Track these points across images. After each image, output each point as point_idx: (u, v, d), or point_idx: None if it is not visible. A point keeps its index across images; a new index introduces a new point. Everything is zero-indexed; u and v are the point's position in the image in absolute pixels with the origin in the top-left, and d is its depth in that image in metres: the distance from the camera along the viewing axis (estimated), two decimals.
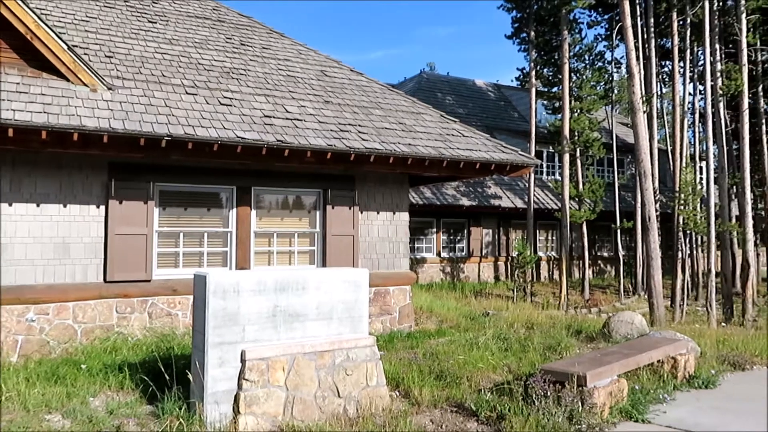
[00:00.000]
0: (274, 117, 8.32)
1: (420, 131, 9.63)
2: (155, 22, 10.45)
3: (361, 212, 9.54)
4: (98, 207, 7.59)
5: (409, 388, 5.90)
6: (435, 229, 21.91)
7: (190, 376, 4.91)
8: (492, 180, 22.98)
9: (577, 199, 20.42)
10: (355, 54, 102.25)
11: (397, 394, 5.91)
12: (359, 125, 9.01)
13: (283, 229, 9.02)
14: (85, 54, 8.18)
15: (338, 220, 9.23)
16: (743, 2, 16.44)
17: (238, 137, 7.39)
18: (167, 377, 5.17)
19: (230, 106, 8.23)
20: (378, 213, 9.80)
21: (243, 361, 4.77)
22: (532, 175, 20.60)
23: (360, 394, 5.26)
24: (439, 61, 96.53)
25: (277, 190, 8.93)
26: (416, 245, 21.41)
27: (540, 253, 24.18)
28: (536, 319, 10.57)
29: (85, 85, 7.38)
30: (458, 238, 22.61)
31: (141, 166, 7.71)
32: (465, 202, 21.47)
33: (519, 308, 12.91)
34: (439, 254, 21.87)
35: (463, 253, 22.59)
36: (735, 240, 19.20)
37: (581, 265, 21.47)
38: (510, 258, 22.21)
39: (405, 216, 10.07)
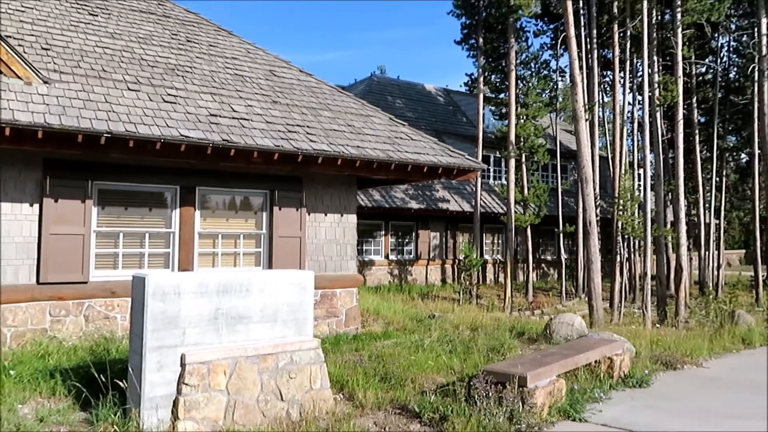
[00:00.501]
0: (220, 116, 8.17)
1: (369, 134, 9.65)
2: (96, 15, 10.10)
3: (309, 214, 9.48)
4: (32, 205, 7.27)
5: (354, 390, 5.89)
6: (383, 232, 21.99)
7: (126, 382, 4.75)
8: (440, 184, 23.24)
9: (522, 204, 20.88)
10: (306, 54, 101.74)
11: (342, 396, 5.89)
12: (308, 126, 8.96)
13: (228, 231, 8.86)
14: (19, 45, 7.83)
15: (285, 221, 9.14)
16: (679, 17, 17.21)
17: (182, 136, 7.23)
18: (103, 383, 4.99)
19: (174, 103, 8.04)
20: (326, 215, 9.75)
21: (183, 365, 4.65)
22: (479, 180, 20.95)
23: (304, 397, 5.21)
24: (390, 64, 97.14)
25: (222, 190, 8.77)
26: (364, 247, 21.43)
27: (486, 256, 24.61)
28: (481, 321, 10.74)
29: (19, 77, 7.06)
30: (406, 240, 22.76)
31: (79, 164, 7.42)
32: (413, 205, 21.64)
33: (465, 310, 13.09)
34: (387, 257, 21.96)
35: (411, 256, 22.76)
36: (670, 245, 20.01)
37: (526, 268, 21.96)
38: (457, 261, 22.51)
39: (353, 218, 10.06)
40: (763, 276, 22.50)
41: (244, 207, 9.06)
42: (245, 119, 8.37)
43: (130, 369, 4.74)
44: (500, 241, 24.69)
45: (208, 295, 4.91)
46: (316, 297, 9.17)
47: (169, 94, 8.22)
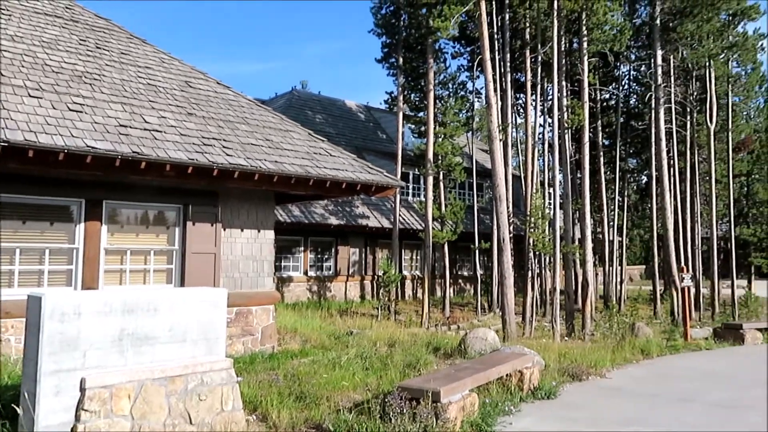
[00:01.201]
0: (130, 127, 7.85)
1: (287, 149, 9.57)
2: None
3: (224, 229, 9.25)
4: None
5: (268, 411, 5.77)
6: (302, 248, 21.79)
7: (19, 410, 4.42)
8: (360, 200, 23.35)
9: (440, 220, 21.31)
10: (227, 66, 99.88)
11: (255, 418, 5.75)
12: (224, 140, 8.77)
13: (138, 246, 8.49)
14: None
15: (199, 237, 8.87)
16: (585, 46, 18.29)
17: (89, 147, 6.88)
18: None
19: (81, 112, 7.64)
20: (242, 230, 9.56)
21: (82, 389, 4.38)
22: (398, 196, 21.22)
23: (214, 419, 5.04)
24: (312, 79, 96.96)
25: (132, 204, 8.41)
26: (283, 264, 21.13)
27: (405, 272, 24.88)
28: (398, 337, 10.83)
29: None
30: (326, 256, 22.65)
31: None
32: (333, 220, 21.60)
33: (383, 326, 13.17)
34: (306, 273, 21.75)
35: (331, 272, 22.65)
36: (577, 260, 21.01)
37: (443, 284, 22.37)
38: (376, 277, 22.62)
39: (270, 234, 9.91)
40: (660, 290, 24.03)
41: (155, 222, 8.73)
42: (158, 131, 8.08)
43: (24, 395, 4.42)
44: (419, 257, 25.06)
45: (112, 315, 4.67)
46: (230, 315, 8.96)
47: (75, 103, 7.81)
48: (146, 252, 8.56)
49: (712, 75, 23.38)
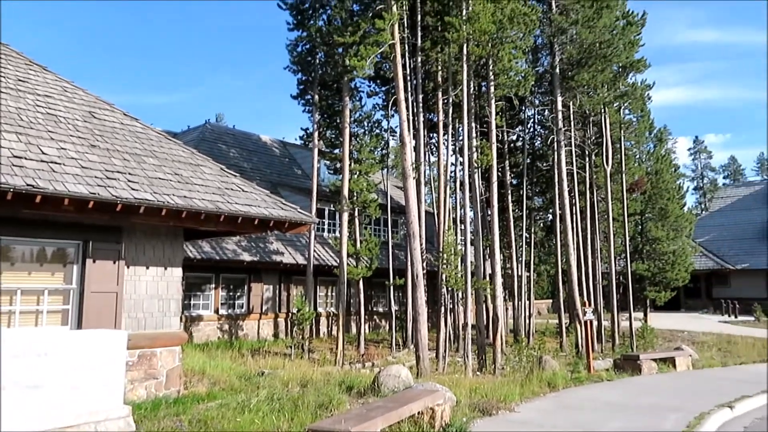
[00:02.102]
0: (26, 158, 7.39)
1: (197, 183, 9.33)
2: None
3: (128, 267, 8.81)
4: None
5: None
6: (213, 285, 21.09)
7: None
8: (274, 235, 23.00)
9: (355, 257, 21.33)
10: (140, 97, 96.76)
11: None
12: (130, 173, 8.43)
13: (30, 286, 7.91)
14: None
15: (100, 275, 8.39)
16: (493, 90, 19.23)
17: None
18: None
19: None
20: (147, 268, 9.14)
21: None
22: (313, 232, 21.10)
23: None
24: (228, 113, 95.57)
25: (25, 240, 7.86)
26: (192, 302, 20.34)
27: (320, 309, 24.60)
28: (312, 377, 10.64)
29: None
30: (238, 294, 22.02)
31: None
32: (246, 257, 21.12)
33: (296, 366, 12.90)
34: (217, 311, 21.02)
35: (243, 310, 22.02)
36: (488, 296, 21.59)
37: (358, 321, 22.27)
38: (290, 314, 22.20)
39: (178, 271, 9.54)
40: (566, 323, 25.06)
41: (52, 259, 8.19)
42: (56, 163, 7.66)
43: None
44: (334, 294, 24.88)
45: None
46: (132, 358, 8.47)
47: None
48: (39, 291, 7.99)
49: (607, 121, 25.17)
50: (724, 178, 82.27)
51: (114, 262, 8.53)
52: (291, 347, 17.61)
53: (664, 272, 30.49)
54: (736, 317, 36.57)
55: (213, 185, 9.56)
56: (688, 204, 53.82)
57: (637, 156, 31.36)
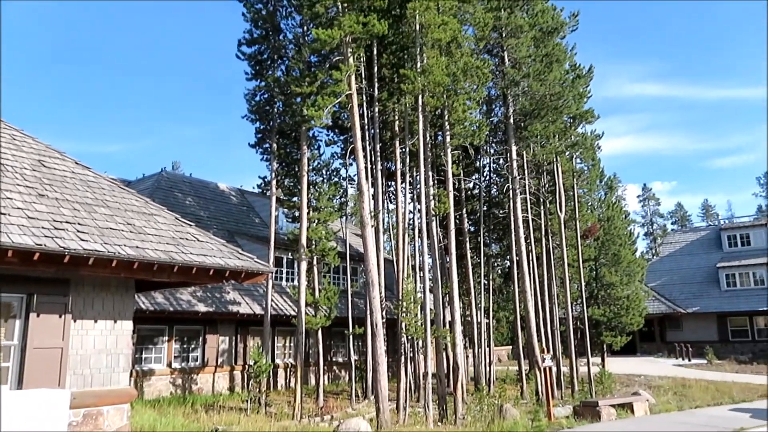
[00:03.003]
0: None
1: (151, 233, 9.12)
2: None
3: (75, 321, 8.46)
4: None
5: None
6: (167, 337, 20.39)
7: None
8: (231, 285, 22.56)
9: (313, 306, 21.03)
10: (96, 145, 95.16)
11: None
12: (79, 224, 8.19)
13: None
14: None
15: (44, 330, 8.02)
16: (449, 139, 19.64)
17: None
18: None
19: None
20: (96, 321, 8.80)
21: None
22: (271, 282, 20.77)
23: None
24: (185, 161, 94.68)
25: None
26: (144, 355, 19.58)
27: (278, 361, 24.01)
28: None
29: None
30: (192, 346, 21.33)
31: None
32: (201, 308, 20.58)
33: (252, 421, 12.46)
34: (170, 365, 20.26)
35: (197, 363, 21.30)
36: (449, 344, 21.47)
37: (317, 372, 21.78)
38: (247, 366, 21.57)
39: (128, 325, 9.20)
40: (525, 369, 25.06)
41: None
42: (1, 213, 7.39)
43: None
44: (292, 344, 24.36)
45: None
46: (77, 417, 8.03)
47: None
48: None
49: (560, 169, 25.94)
50: (672, 224, 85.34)
51: (60, 316, 8.18)
52: (247, 401, 17.02)
53: (619, 317, 31.01)
54: (689, 360, 37.34)
55: (167, 235, 9.36)
56: (639, 249, 55.51)
57: (590, 203, 32.28)
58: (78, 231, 7.95)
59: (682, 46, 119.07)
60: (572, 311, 28.90)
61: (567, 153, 26.62)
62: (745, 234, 46.34)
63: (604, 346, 31.07)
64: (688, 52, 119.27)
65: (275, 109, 21.65)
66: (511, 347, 44.89)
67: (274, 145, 21.50)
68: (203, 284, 18.06)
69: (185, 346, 21.06)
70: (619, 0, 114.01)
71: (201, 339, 21.52)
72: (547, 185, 27.65)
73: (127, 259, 7.94)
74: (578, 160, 29.04)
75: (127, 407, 8.96)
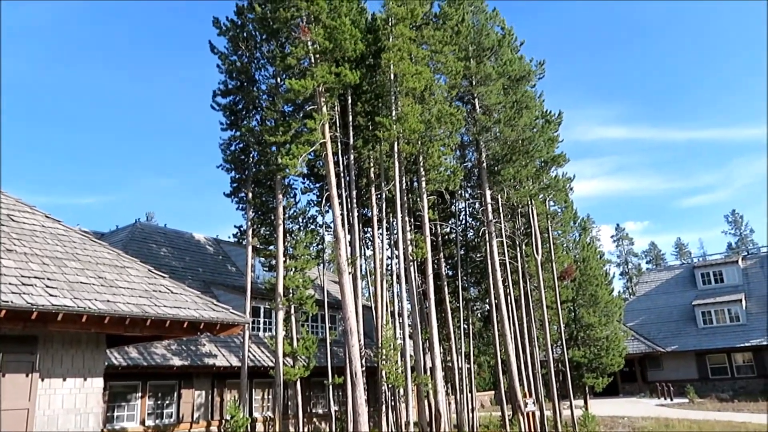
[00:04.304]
0: None
1: (123, 287, 8.95)
2: None
3: (42, 379, 8.18)
4: None
5: None
6: (140, 394, 19.72)
7: None
8: (207, 337, 22.08)
9: (291, 356, 20.65)
10: (68, 198, 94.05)
11: None
12: (48, 278, 8.01)
13: None
14: None
15: (10, 390, 7.74)
16: (424, 185, 19.86)
17: None
18: None
19: None
20: (65, 380, 8.51)
21: None
22: (248, 332, 20.40)
23: None
24: (159, 211, 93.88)
25: None
26: (116, 413, 18.87)
27: (256, 414, 23.32)
28: None
29: None
30: (167, 402, 20.64)
31: None
32: (176, 361, 20.02)
33: None
34: (143, 422, 19.53)
35: (172, 419, 20.57)
36: (430, 391, 21.16)
37: (296, 424, 21.20)
38: (224, 421, 20.90)
39: (99, 382, 8.92)
40: (509, 414, 24.71)
41: None
42: None
43: None
44: (271, 397, 23.74)
45: None
46: None
47: None
48: None
49: (534, 212, 26.29)
50: (647, 262, 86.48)
51: (26, 375, 7.91)
52: None
53: (599, 358, 30.97)
54: (671, 400, 37.25)
55: (140, 288, 9.20)
56: (616, 289, 55.94)
57: (565, 244, 32.63)
58: (47, 286, 7.77)
59: (645, 90, 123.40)
60: (553, 353, 28.79)
61: (540, 196, 27.04)
62: (718, 271, 47.09)
63: (587, 388, 30.90)
64: (650, 96, 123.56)
65: (250, 159, 21.72)
66: (493, 392, 44.36)
67: (250, 194, 21.47)
68: (178, 337, 17.67)
69: (159, 402, 20.38)
70: (583, 47, 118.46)
71: (176, 394, 20.85)
72: (522, 228, 27.94)
73: (97, 313, 7.76)
74: (552, 203, 29.50)
75: None
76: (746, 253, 56.95)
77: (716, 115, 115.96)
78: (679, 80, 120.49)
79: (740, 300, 42.80)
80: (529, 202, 26.14)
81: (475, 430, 25.24)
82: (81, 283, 8.38)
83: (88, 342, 8.83)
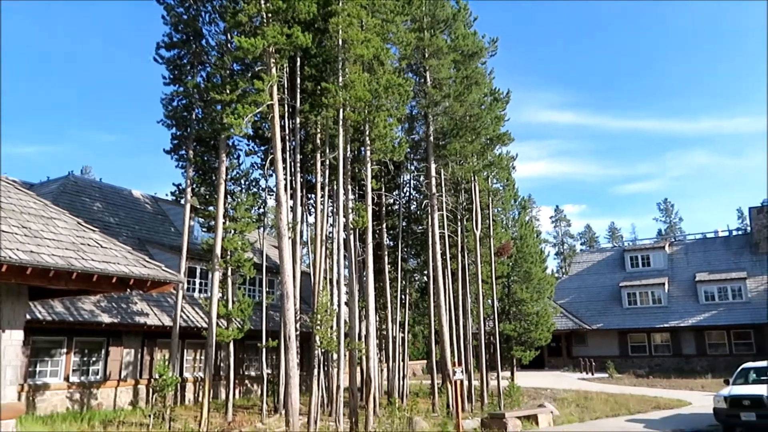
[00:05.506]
0: None
1: (49, 238, 8.63)
2: None
3: None
4: None
5: None
6: (65, 349, 19.25)
7: None
8: (139, 295, 21.67)
9: (226, 318, 20.53)
10: (9, 146, 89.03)
11: None
12: None
13: None
14: None
15: None
16: (369, 154, 19.85)
17: None
18: None
19: None
20: None
21: None
22: (181, 292, 20.12)
23: None
24: (98, 166, 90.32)
25: None
26: (38, 368, 18.39)
27: (187, 375, 23.20)
28: None
29: None
30: (94, 359, 20.24)
31: None
32: (105, 318, 19.61)
33: None
34: (67, 378, 19.12)
35: (99, 377, 20.22)
36: (363, 357, 21.52)
37: (227, 386, 21.21)
38: (152, 380, 20.70)
39: (18, 335, 8.63)
40: (438, 383, 25.48)
41: None
42: None
43: None
44: (202, 358, 23.60)
45: None
46: None
47: None
48: None
49: (477, 188, 26.77)
50: (581, 244, 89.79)
51: None
52: (150, 416, 16.31)
53: (529, 332, 32.17)
54: (592, 374, 39.23)
55: (67, 240, 8.90)
56: (550, 268, 57.97)
57: (504, 222, 33.45)
58: None
59: (592, 78, 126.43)
60: (485, 326, 29.72)
61: (484, 172, 27.52)
62: (646, 255, 49.41)
63: (514, 361, 32.10)
64: (597, 84, 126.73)
65: (193, 116, 21.13)
66: (425, 361, 45.46)
67: (191, 152, 20.94)
68: (106, 293, 17.26)
69: (86, 358, 19.95)
70: (535, 30, 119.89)
71: (104, 351, 20.46)
72: (464, 203, 28.43)
73: (18, 263, 7.47)
74: (494, 180, 30.10)
75: (13, 423, 8.38)
76: (673, 240, 59.93)
77: (655, 108, 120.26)
78: (625, 71, 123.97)
79: (663, 284, 45.16)
80: (473, 178, 26.57)
81: (405, 396, 25.92)
82: (2, 231, 8.04)
83: (8, 293, 8.51)
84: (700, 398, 23.93)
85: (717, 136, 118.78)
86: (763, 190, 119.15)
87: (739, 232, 51.60)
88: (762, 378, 17.33)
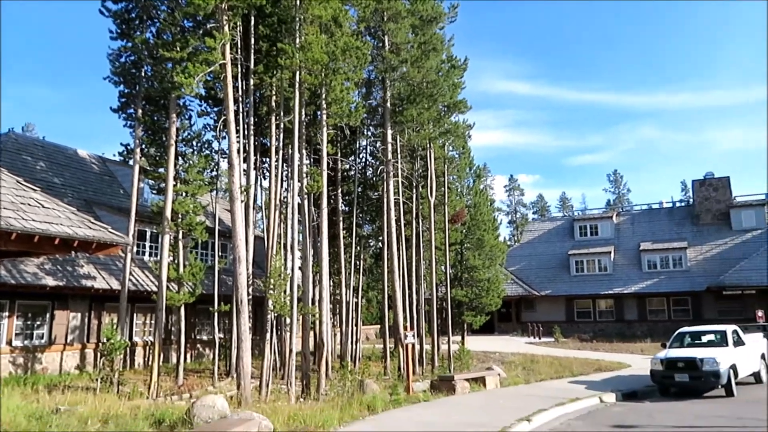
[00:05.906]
0: None
1: None
2: None
3: None
4: None
5: None
6: (7, 313, 18.67)
7: None
8: (86, 258, 21.10)
9: (177, 282, 20.21)
10: None
11: None
12: None
13: None
14: None
15: None
16: (325, 118, 19.58)
17: None
18: None
19: None
20: None
21: None
22: (130, 255, 19.66)
23: None
24: (41, 125, 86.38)
25: None
26: None
27: (137, 339, 22.90)
28: (117, 411, 9.79)
29: None
30: (38, 323, 19.71)
31: None
32: (50, 281, 19.04)
33: (101, 400, 11.76)
34: (10, 342, 18.60)
35: (43, 341, 19.74)
36: (316, 321, 21.61)
37: (178, 350, 21.02)
38: (100, 344, 20.33)
39: None
40: (390, 347, 25.87)
41: None
42: None
43: None
44: (152, 322, 23.29)
45: None
46: None
47: None
48: None
49: (432, 155, 26.84)
50: (533, 213, 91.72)
51: None
52: (98, 380, 16.05)
53: (480, 298, 32.88)
54: (539, 339, 40.56)
55: (5, 199, 8.52)
56: (502, 236, 59.12)
57: (459, 190, 33.76)
58: None
59: (549, 49, 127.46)
60: (437, 292, 30.22)
61: (440, 140, 27.56)
62: (594, 225, 50.89)
63: (465, 326, 32.84)
64: (553, 56, 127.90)
65: (142, 73, 20.34)
66: (379, 326, 46.06)
67: (140, 110, 20.22)
68: (49, 255, 16.75)
69: (29, 322, 19.41)
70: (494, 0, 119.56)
71: (48, 315, 19.95)
72: (420, 170, 28.51)
73: None
74: (450, 148, 30.21)
75: None
76: (621, 210, 61.82)
77: (609, 80, 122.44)
78: (582, 41, 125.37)
79: (610, 252, 46.71)
80: (429, 146, 26.61)
81: (357, 360, 26.26)
82: None
83: None
84: (639, 361, 25.06)
85: (666, 111, 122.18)
86: (707, 164, 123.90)
87: (682, 204, 53.57)
88: (696, 342, 18.28)
